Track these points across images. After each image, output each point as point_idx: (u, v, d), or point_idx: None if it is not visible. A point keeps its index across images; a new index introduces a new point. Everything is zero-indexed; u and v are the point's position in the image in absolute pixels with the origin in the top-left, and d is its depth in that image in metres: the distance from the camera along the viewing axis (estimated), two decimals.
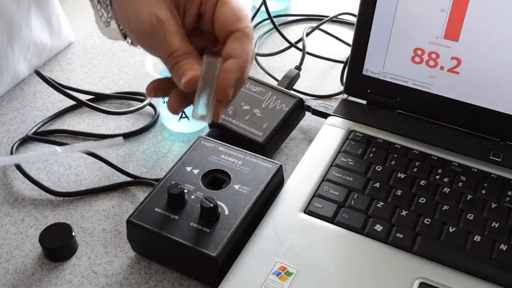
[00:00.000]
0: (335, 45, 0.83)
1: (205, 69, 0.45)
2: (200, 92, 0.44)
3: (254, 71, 0.79)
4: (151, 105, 0.72)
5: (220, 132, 0.63)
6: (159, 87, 0.49)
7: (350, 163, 0.59)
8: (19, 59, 0.74)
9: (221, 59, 0.45)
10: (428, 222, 0.53)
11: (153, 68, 0.65)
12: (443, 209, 0.55)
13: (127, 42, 0.54)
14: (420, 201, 0.55)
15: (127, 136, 0.68)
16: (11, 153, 0.65)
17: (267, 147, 0.62)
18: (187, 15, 0.48)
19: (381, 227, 0.53)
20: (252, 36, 0.46)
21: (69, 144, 0.65)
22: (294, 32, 0.86)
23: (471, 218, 0.54)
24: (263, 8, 0.81)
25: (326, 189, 0.56)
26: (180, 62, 0.45)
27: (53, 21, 0.78)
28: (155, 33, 0.45)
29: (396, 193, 0.56)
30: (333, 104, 0.68)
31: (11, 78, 0.74)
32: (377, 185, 0.57)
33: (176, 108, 0.47)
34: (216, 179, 0.56)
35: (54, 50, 0.81)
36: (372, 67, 0.65)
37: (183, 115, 0.66)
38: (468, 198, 0.56)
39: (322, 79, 0.77)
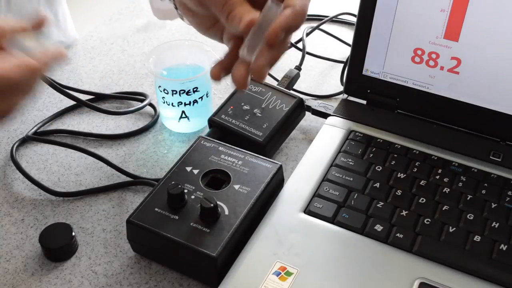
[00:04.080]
0: (335, 45, 0.83)
1: (264, 13, 0.47)
2: (253, 34, 0.47)
3: None
4: (151, 105, 0.72)
5: (220, 132, 0.63)
6: (223, 68, 0.50)
7: (350, 163, 0.59)
8: None
9: (282, 6, 0.47)
10: (428, 222, 0.53)
11: (153, 67, 0.65)
12: (443, 209, 0.55)
13: (180, 17, 0.56)
14: (420, 201, 0.55)
15: (127, 136, 0.68)
16: (11, 153, 0.65)
17: (267, 147, 0.62)
18: None
19: (381, 227, 0.53)
20: None
21: (69, 144, 0.65)
22: (294, 32, 0.86)
23: (471, 218, 0.54)
24: None
25: (326, 189, 0.56)
26: (235, 9, 0.47)
27: (59, 16, 0.79)
28: None
29: (396, 193, 0.56)
30: (333, 104, 0.68)
31: None
32: (377, 185, 0.57)
33: (219, 76, 0.50)
34: (216, 179, 0.56)
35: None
36: (372, 67, 0.65)
37: (183, 115, 0.66)
38: (468, 198, 0.56)
39: (322, 79, 0.77)
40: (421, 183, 0.57)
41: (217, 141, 0.60)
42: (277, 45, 0.47)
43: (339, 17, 0.86)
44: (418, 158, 0.60)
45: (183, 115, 0.66)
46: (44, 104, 0.73)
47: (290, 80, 0.70)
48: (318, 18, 0.87)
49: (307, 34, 0.80)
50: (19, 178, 0.63)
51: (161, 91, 0.65)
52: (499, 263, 0.50)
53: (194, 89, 0.65)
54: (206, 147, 0.59)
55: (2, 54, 0.44)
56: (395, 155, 0.60)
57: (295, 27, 0.48)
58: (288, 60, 0.80)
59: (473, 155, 0.60)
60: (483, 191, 0.56)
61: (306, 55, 0.77)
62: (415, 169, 0.58)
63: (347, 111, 0.66)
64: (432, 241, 0.52)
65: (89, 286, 0.52)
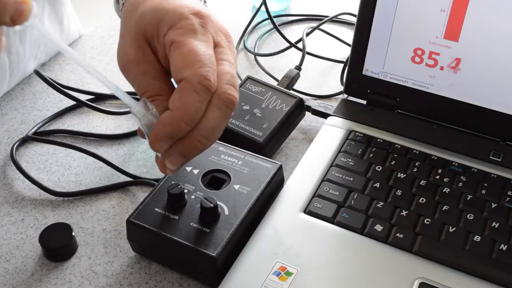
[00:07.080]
0: (335, 45, 0.83)
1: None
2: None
3: (254, 71, 0.79)
4: None
5: None
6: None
7: (350, 163, 0.59)
8: (29, 58, 0.75)
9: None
10: (428, 222, 0.53)
11: None
12: (443, 209, 0.55)
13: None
14: (420, 201, 0.55)
15: (127, 136, 0.68)
16: (11, 153, 0.65)
17: (267, 147, 0.62)
18: (159, 54, 0.44)
19: (381, 227, 0.53)
20: (204, 85, 0.40)
21: (69, 144, 0.65)
22: (294, 32, 0.86)
23: (471, 218, 0.54)
24: (263, 8, 0.81)
25: (326, 189, 0.56)
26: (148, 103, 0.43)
27: (64, 22, 0.79)
28: (126, 72, 0.45)
29: (396, 193, 0.56)
30: (333, 104, 0.68)
31: (20, 75, 0.75)
32: (377, 185, 0.57)
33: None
34: (216, 179, 0.56)
35: None
36: (372, 67, 0.65)
37: None
38: (468, 198, 0.56)
39: (322, 79, 0.77)
40: (421, 183, 0.57)
41: (217, 141, 0.59)
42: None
43: (339, 17, 0.86)
44: (418, 158, 0.60)
45: None
46: (44, 104, 0.73)
47: (290, 80, 0.70)
48: (318, 18, 0.87)
49: (307, 34, 0.80)
50: (19, 178, 0.63)
51: None
52: (499, 263, 0.50)
53: None
54: None
55: None
56: (395, 155, 0.60)
57: (179, 133, 0.41)
58: (288, 60, 0.80)
59: (473, 155, 0.60)
60: (483, 191, 0.56)
61: (306, 55, 0.77)
62: (415, 169, 0.58)
63: (347, 111, 0.66)
64: (432, 241, 0.52)
65: (89, 286, 0.52)
